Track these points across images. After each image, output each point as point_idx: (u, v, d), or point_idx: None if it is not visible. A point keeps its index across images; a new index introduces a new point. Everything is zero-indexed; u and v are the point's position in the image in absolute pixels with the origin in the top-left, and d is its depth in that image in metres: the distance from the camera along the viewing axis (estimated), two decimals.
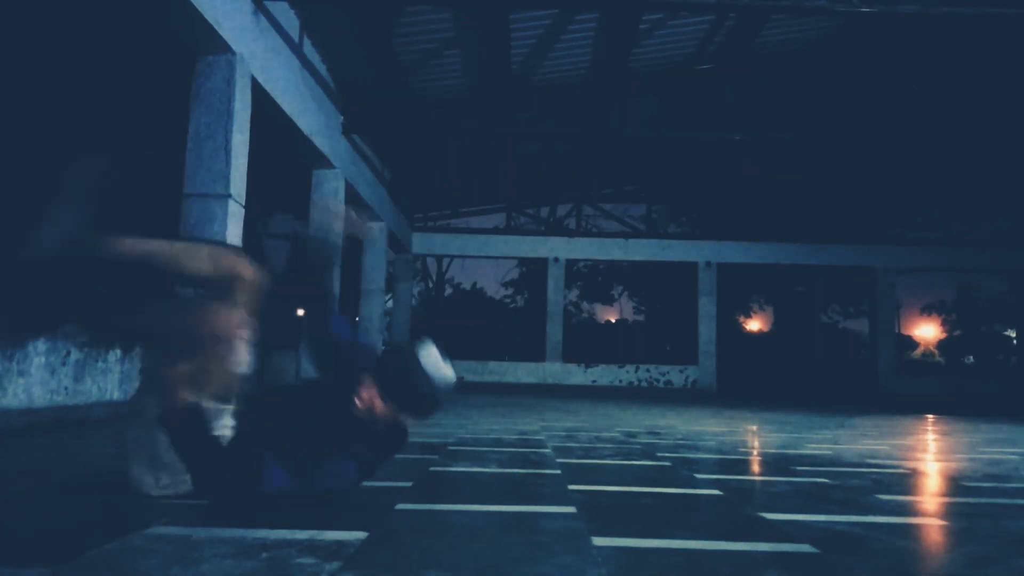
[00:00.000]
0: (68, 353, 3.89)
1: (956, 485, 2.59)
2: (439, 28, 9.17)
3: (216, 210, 5.87)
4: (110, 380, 4.29)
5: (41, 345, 3.67)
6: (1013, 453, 3.75)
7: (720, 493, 2.25)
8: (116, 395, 4.35)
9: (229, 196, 5.89)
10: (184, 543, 1.45)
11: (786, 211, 19.56)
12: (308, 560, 1.34)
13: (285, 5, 7.35)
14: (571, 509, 1.92)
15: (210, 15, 5.51)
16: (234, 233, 6.00)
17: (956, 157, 15.14)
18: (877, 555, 1.51)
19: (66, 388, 3.89)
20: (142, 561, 1.32)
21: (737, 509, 1.99)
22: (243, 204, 6.19)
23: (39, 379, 3.67)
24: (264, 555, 1.37)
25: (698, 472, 2.75)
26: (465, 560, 1.38)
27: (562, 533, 1.63)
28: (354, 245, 14.15)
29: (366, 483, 2.27)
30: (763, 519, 1.85)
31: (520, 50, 10.02)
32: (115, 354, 4.33)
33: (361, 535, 1.55)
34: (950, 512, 2.07)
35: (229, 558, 1.34)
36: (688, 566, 1.39)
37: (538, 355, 18.47)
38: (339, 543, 1.47)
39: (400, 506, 1.89)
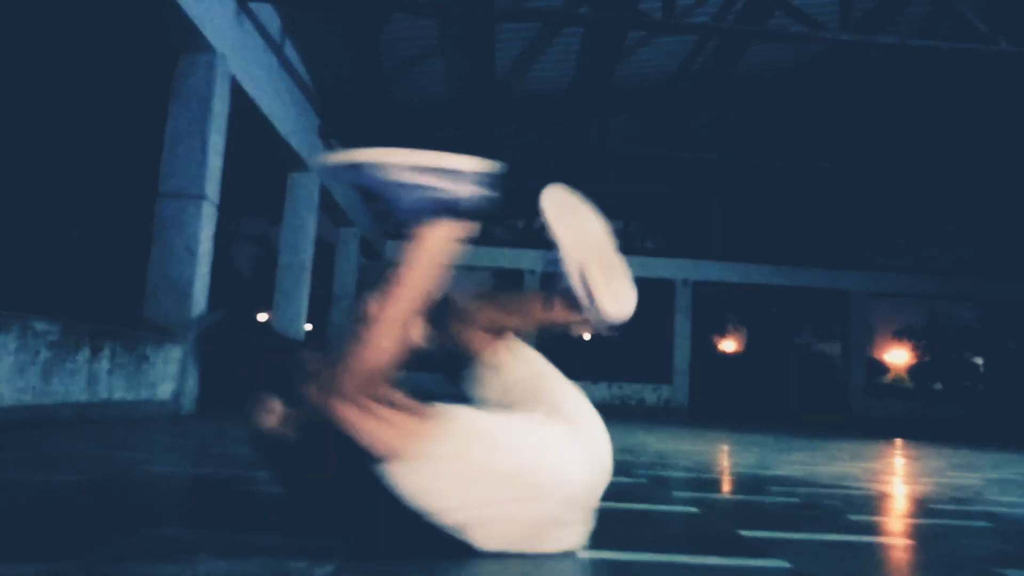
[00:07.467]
0: (38, 352, 3.79)
1: (922, 507, 2.62)
2: (423, 36, 9.18)
3: (190, 210, 5.78)
4: (77, 381, 4.19)
5: (12, 343, 3.57)
6: (977, 478, 3.80)
7: (697, 511, 2.24)
8: (83, 397, 4.25)
9: (204, 197, 5.80)
10: (178, 544, 1.46)
11: (763, 232, 19.79)
12: (300, 563, 1.34)
13: (268, 7, 7.31)
14: None
15: (193, 13, 5.45)
16: (207, 235, 5.91)
17: (928, 185, 15.46)
18: (850, 572, 1.51)
19: (34, 388, 3.78)
20: (140, 560, 1.32)
21: (715, 526, 1.99)
22: (217, 205, 6.11)
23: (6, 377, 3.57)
24: (257, 558, 1.36)
25: (675, 490, 2.75)
26: (455, 570, 1.36)
27: None
28: (326, 250, 14.00)
29: None
30: (740, 536, 1.84)
31: (504, 60, 10.06)
32: (84, 354, 4.23)
33: (347, 542, 1.52)
34: (916, 532, 2.09)
35: (223, 559, 1.35)
36: None
37: None
38: (328, 548, 1.45)
39: None
